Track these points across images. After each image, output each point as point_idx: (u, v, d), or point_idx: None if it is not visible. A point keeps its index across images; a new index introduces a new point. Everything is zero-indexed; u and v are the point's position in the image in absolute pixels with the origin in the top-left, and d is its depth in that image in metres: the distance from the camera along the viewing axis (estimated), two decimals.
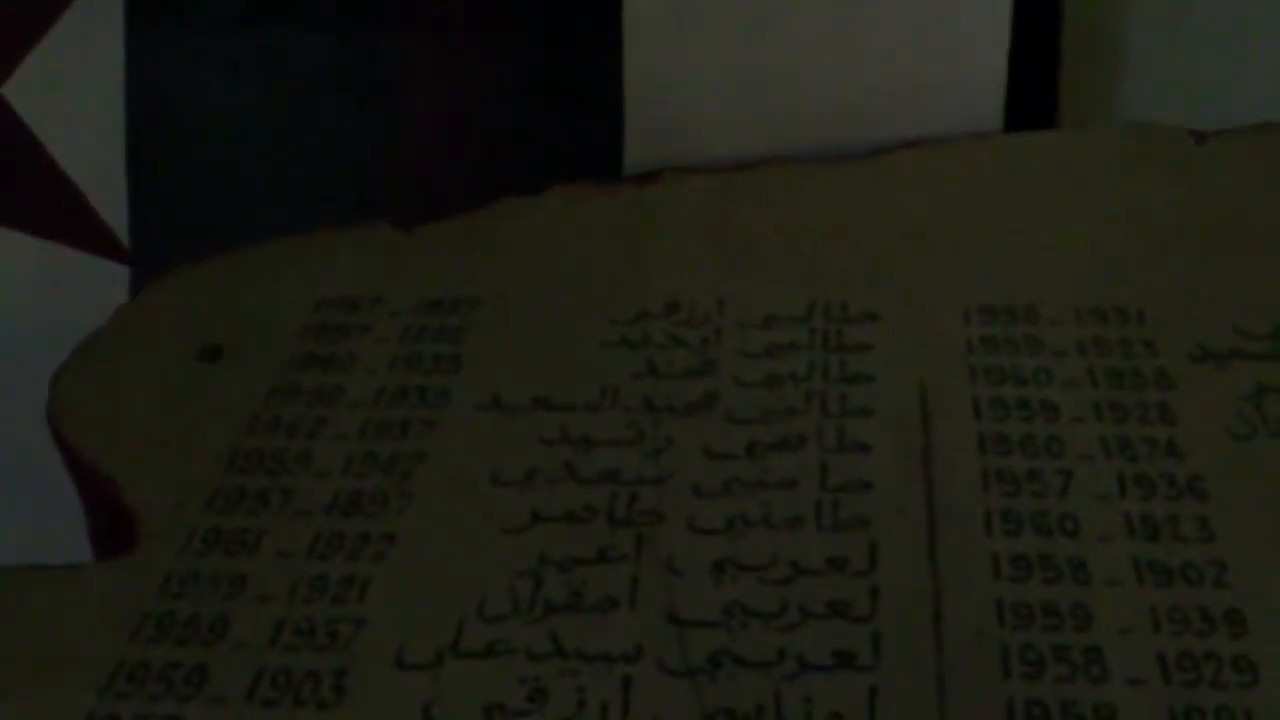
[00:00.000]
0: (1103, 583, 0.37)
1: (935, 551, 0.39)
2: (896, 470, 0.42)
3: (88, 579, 0.41)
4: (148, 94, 0.62)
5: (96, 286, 0.61)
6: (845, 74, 0.59)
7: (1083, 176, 0.53)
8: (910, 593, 0.38)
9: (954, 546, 0.39)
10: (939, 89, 0.58)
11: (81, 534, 0.47)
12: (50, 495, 0.47)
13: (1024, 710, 0.34)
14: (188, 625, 0.39)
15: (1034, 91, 0.61)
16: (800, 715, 0.35)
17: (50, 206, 0.63)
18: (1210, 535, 0.38)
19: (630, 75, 0.60)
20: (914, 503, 0.41)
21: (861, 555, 0.39)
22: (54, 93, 0.62)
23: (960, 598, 0.37)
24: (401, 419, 0.46)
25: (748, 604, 0.38)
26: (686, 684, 0.36)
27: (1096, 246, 0.50)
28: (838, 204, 0.54)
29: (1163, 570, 0.37)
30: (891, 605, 0.37)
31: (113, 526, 0.44)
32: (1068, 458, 0.41)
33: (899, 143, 0.56)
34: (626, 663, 0.36)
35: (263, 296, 0.52)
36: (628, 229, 0.54)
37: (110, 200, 0.63)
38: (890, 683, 0.35)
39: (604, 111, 0.60)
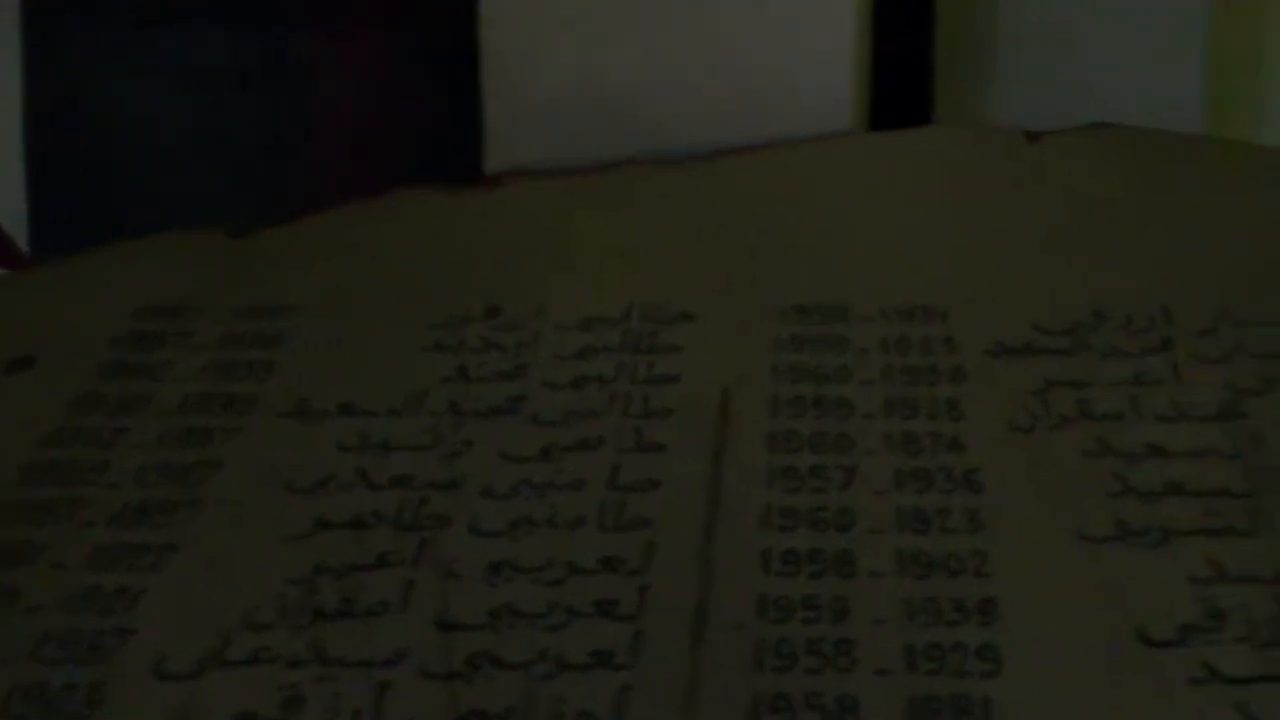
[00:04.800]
0: (866, 576, 0.37)
1: (710, 549, 0.39)
2: (686, 470, 0.42)
3: None
4: (47, 97, 0.61)
5: None
6: (693, 77, 0.59)
7: (911, 177, 0.54)
8: (677, 590, 0.38)
9: (728, 544, 0.39)
10: (784, 92, 0.59)
11: None
12: None
13: (769, 702, 0.34)
14: None
15: (907, 95, 0.62)
16: (551, 715, 0.34)
17: None
18: (978, 526, 0.39)
19: (488, 73, 0.59)
20: (698, 501, 0.40)
21: (636, 554, 0.39)
22: None
23: (726, 594, 0.37)
24: (204, 426, 0.45)
25: (517, 605, 0.38)
26: (443, 687, 0.36)
27: (915, 246, 0.50)
28: (672, 206, 0.54)
29: (926, 562, 0.38)
30: (658, 604, 0.37)
31: None
32: (854, 454, 0.42)
33: (743, 145, 0.57)
34: (386, 668, 0.36)
35: (80, 305, 0.51)
36: (462, 233, 0.53)
37: (8, 208, 0.62)
38: (643, 680, 0.35)
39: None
